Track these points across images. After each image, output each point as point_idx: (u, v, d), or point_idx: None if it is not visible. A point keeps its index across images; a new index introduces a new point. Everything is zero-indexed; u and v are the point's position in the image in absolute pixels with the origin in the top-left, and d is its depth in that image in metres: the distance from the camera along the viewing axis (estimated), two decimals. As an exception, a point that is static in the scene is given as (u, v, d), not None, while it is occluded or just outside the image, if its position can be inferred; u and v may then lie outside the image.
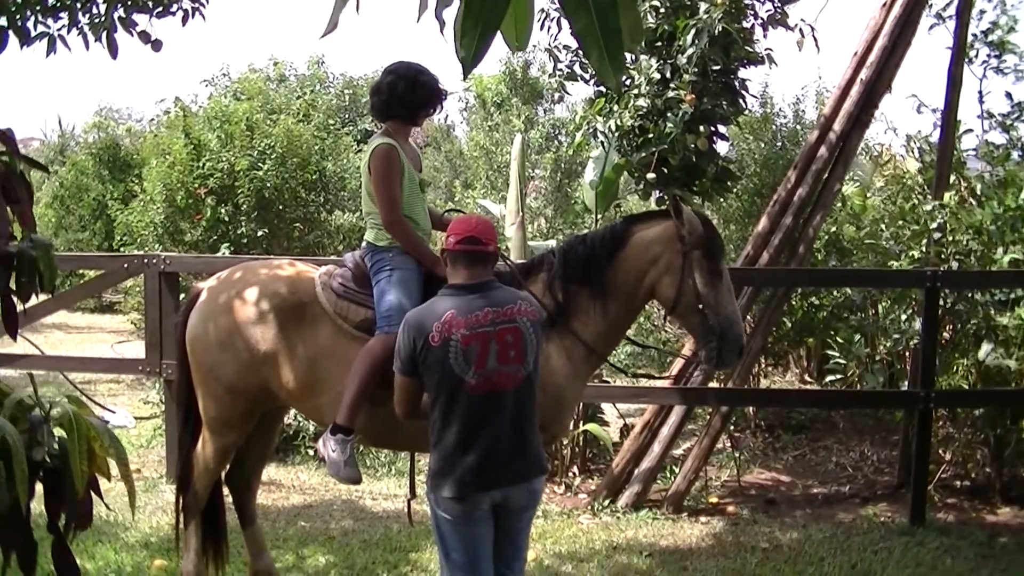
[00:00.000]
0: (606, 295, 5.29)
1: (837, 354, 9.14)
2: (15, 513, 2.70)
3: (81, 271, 15.02)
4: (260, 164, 10.26)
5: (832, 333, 9.65)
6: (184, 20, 6.62)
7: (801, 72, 28.31)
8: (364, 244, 5.60)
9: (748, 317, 8.25)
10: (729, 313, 5.25)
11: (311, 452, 8.88)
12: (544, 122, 16.50)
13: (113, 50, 6.11)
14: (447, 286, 4.43)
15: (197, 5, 6.60)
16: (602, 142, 8.72)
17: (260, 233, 10.07)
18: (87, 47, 6.64)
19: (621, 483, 7.85)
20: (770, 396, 9.08)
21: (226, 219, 10.17)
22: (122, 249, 11.28)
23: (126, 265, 8.14)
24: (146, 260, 7.95)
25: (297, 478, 8.57)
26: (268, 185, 10.15)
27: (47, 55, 6.63)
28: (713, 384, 8.12)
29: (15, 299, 3.27)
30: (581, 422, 8.41)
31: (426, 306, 4.41)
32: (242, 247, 9.98)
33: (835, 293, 9.76)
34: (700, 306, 5.20)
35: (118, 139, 23.17)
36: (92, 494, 2.93)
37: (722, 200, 10.12)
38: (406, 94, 5.44)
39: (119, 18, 6.13)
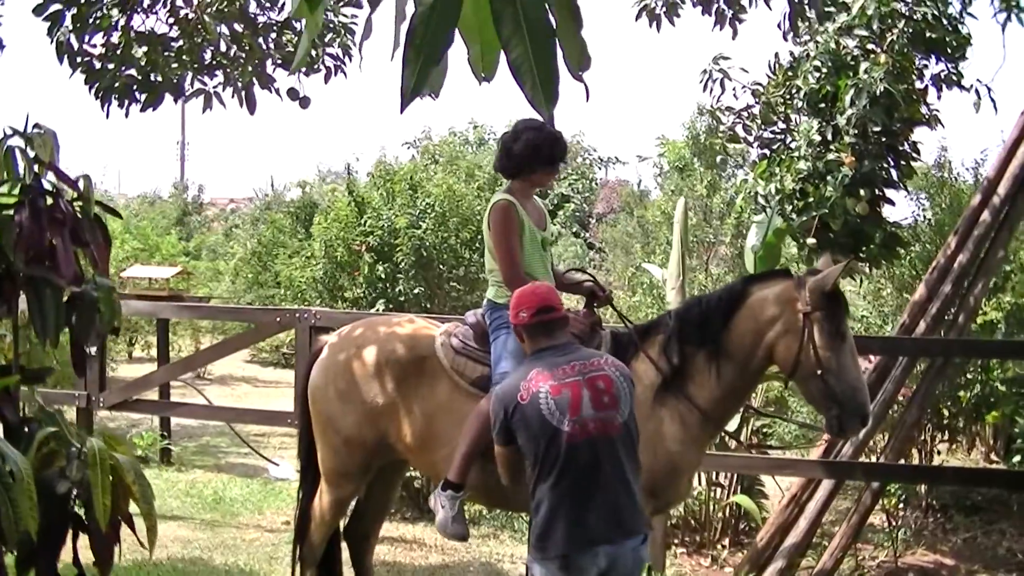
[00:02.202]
0: (722, 358, 5.11)
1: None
2: (27, 543, 2.72)
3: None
4: (420, 222, 10.41)
5: (1018, 409, 9.09)
6: (327, 78, 6.79)
7: (982, 134, 27.21)
8: (485, 301, 5.58)
9: (903, 389, 7.82)
10: (852, 380, 5.00)
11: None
12: (727, 187, 16.25)
13: (251, 106, 6.30)
14: (533, 352, 4.44)
15: (339, 64, 6.76)
16: (763, 206, 8.50)
17: (417, 291, 10.18)
18: (241, 104, 6.87)
19: (766, 558, 7.51)
20: (922, 472, 8.51)
21: (383, 276, 10.33)
22: (282, 303, 11.57)
23: (278, 319, 8.34)
24: (297, 314, 8.11)
25: (440, 538, 8.52)
26: (427, 243, 10.27)
27: (203, 111, 6.89)
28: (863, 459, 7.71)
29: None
30: (733, 493, 8.16)
31: (511, 376, 4.52)
32: (400, 305, 10.10)
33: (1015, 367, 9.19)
34: (820, 371, 4.95)
35: (319, 198, 23.88)
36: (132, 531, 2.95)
37: (892, 267, 9.72)
38: (512, 150, 5.42)
39: (257, 75, 6.31)
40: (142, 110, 6.63)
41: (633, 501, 4.24)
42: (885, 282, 11.05)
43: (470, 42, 1.95)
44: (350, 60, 6.83)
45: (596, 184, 33.46)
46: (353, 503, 6.25)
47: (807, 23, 7.90)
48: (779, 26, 7.73)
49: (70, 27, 6.20)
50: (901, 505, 8.90)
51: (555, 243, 6.02)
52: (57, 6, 6.16)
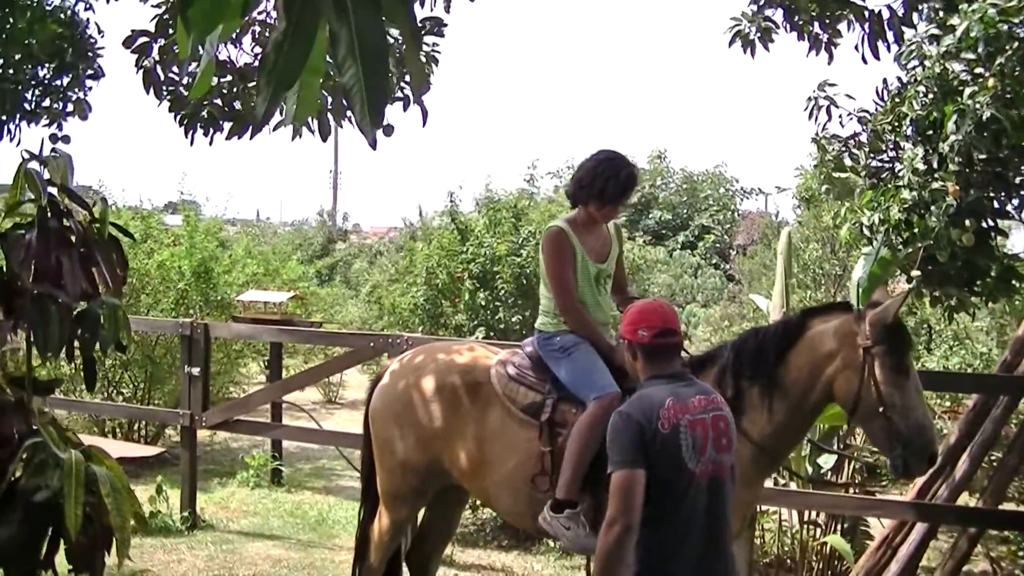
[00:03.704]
0: (776, 392, 4.98)
1: None
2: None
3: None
4: (521, 250, 10.41)
5: None
6: (405, 106, 6.88)
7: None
8: (536, 333, 5.59)
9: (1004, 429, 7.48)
10: (918, 417, 4.83)
11: (552, 543, 8.78)
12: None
13: (324, 133, 6.42)
14: (652, 376, 4.12)
15: (407, 95, 6.87)
16: (869, 238, 8.27)
17: (517, 319, 10.18)
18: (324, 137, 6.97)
19: (856, 602, 7.27)
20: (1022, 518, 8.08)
21: (483, 304, 10.38)
22: (387, 329, 11.70)
23: (372, 344, 8.46)
24: (390, 340, 8.22)
25: (531, 568, 8.49)
26: (527, 271, 10.27)
27: (292, 139, 7.05)
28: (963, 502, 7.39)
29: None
30: (833, 532, 7.94)
31: (641, 396, 4.08)
32: (501, 333, 10.11)
33: None
34: (882, 409, 4.79)
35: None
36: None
37: (1012, 301, 9.31)
38: (577, 177, 5.43)
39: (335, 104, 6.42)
40: (227, 139, 6.80)
41: (730, 548, 4.13)
42: (1009, 318, 10.63)
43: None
44: (428, 88, 6.90)
45: (738, 215, 33.11)
46: (417, 527, 6.32)
47: (906, 46, 7.64)
48: (856, 48, 7.51)
49: (156, 58, 6.41)
50: (1016, 549, 8.51)
51: (610, 276, 5.82)
52: (144, 39, 6.39)
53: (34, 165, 3.36)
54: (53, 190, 3.36)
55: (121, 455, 9.40)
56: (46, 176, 3.36)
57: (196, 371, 8.87)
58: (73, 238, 3.35)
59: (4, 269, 3.27)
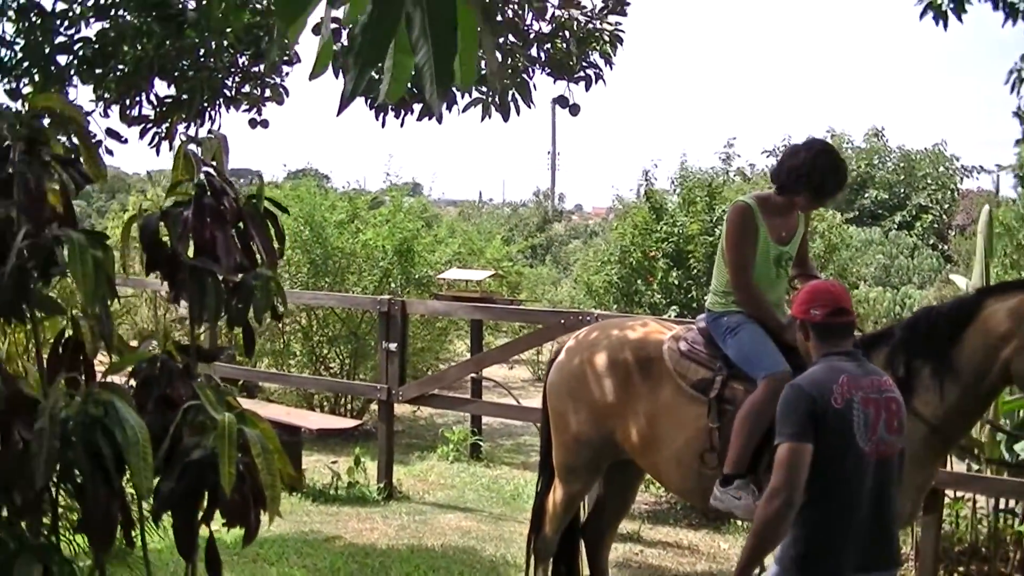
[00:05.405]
0: (949, 374, 4.82)
1: None
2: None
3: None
4: (715, 229, 10.29)
5: None
6: (587, 86, 6.92)
7: None
8: (706, 311, 5.59)
9: None
10: None
11: (741, 523, 8.68)
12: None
13: (505, 113, 6.50)
14: (827, 353, 4.10)
15: (599, 72, 6.88)
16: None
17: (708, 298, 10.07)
18: (513, 113, 7.06)
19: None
20: None
21: (675, 283, 10.33)
22: (581, 306, 11.76)
23: (563, 321, 8.53)
24: (580, 317, 8.29)
25: (717, 546, 8.43)
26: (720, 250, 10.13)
27: (482, 119, 7.16)
28: None
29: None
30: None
31: (814, 371, 4.09)
32: (694, 312, 10.03)
33: None
34: None
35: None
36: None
37: None
38: (787, 162, 5.36)
39: (518, 84, 6.51)
40: (417, 120, 6.97)
41: (897, 531, 4.14)
42: None
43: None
44: (610, 68, 6.94)
45: (957, 194, 31.88)
46: (594, 501, 6.37)
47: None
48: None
49: (345, 43, 6.59)
50: None
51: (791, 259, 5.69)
52: (334, 25, 6.60)
53: (191, 146, 3.56)
54: (208, 169, 3.54)
55: (321, 427, 9.87)
56: (202, 157, 3.56)
57: (393, 346, 9.15)
58: (224, 213, 3.51)
59: (169, 245, 3.47)
